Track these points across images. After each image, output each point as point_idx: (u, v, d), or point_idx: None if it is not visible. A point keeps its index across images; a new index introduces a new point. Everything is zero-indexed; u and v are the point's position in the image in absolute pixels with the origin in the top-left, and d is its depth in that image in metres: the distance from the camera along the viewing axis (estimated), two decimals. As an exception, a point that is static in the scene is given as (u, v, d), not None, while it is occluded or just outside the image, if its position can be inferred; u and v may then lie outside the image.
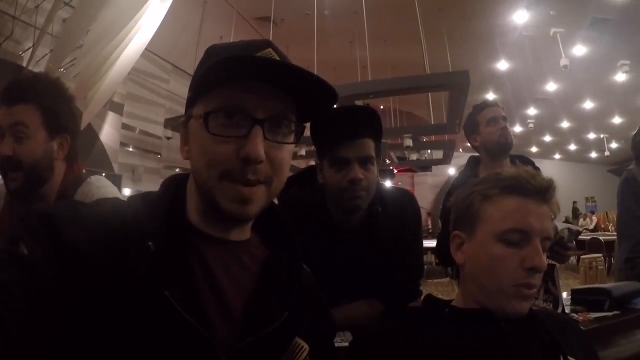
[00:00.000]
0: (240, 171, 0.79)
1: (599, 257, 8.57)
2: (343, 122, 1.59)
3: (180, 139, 0.90)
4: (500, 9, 8.27)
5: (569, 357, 1.09)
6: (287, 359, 0.85)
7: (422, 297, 1.87)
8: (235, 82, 0.80)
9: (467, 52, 9.81)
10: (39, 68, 5.88)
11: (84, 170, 1.73)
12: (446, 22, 8.70)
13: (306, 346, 0.88)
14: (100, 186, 1.65)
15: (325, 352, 0.99)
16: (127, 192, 7.47)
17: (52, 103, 1.55)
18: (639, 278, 2.61)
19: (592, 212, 17.70)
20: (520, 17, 8.42)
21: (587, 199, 21.12)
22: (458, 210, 1.19)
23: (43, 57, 6.03)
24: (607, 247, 9.88)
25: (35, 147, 1.52)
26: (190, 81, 0.89)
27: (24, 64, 6.02)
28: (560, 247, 1.85)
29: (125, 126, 8.55)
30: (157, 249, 0.77)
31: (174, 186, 0.91)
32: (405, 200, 1.85)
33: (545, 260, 1.05)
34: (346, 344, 1.46)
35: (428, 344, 1.07)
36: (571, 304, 1.99)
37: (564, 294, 1.98)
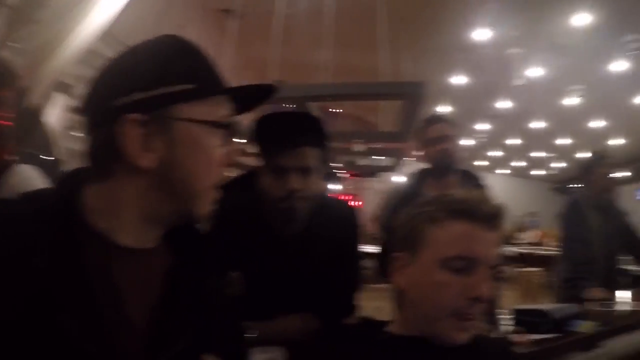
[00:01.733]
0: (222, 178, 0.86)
1: (538, 272, 8.88)
2: (283, 129, 1.55)
3: (133, 139, 0.75)
4: (462, 25, 8.38)
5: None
6: None
7: (358, 313, 1.86)
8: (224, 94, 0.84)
9: (426, 64, 9.89)
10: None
11: (16, 157, 1.63)
12: (408, 32, 8.77)
13: None
14: (26, 177, 1.58)
15: None
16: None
17: None
18: (578, 298, 2.72)
19: (534, 227, 18.14)
20: (482, 34, 8.57)
21: (530, 214, 21.69)
22: (402, 230, 1.13)
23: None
24: (546, 262, 10.18)
25: None
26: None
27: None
28: None
29: (72, 109, 8.19)
30: (46, 266, 0.68)
31: (71, 184, 0.80)
32: (346, 213, 1.81)
33: (490, 290, 1.02)
34: None
35: None
36: (510, 323, 2.02)
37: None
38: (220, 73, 0.85)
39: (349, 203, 1.90)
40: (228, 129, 0.84)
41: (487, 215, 1.05)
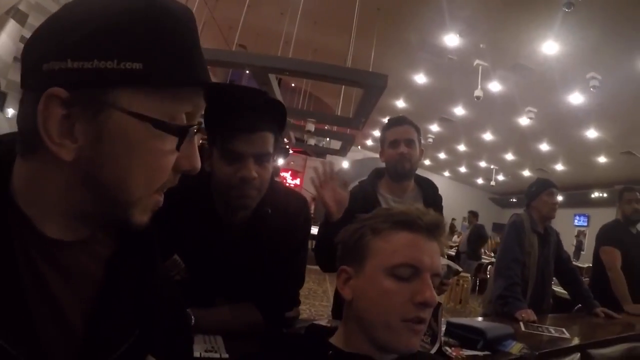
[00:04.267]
0: (171, 182, 0.70)
1: (467, 277, 9.21)
2: (242, 111, 1.40)
3: (51, 119, 0.59)
4: (434, 27, 8.44)
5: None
6: None
7: (299, 307, 1.82)
8: (189, 86, 0.67)
9: (391, 57, 9.95)
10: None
11: None
12: (380, 23, 8.75)
13: None
14: None
15: None
16: (10, 112, 6.78)
17: None
18: (508, 315, 2.80)
19: (466, 232, 18.60)
20: (451, 40, 8.66)
21: (464, 219, 22.24)
22: (346, 244, 1.16)
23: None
24: (475, 267, 10.52)
25: None
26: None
27: None
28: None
29: (24, 40, 7.70)
30: None
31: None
32: (299, 206, 1.76)
33: (435, 296, 1.04)
34: (217, 355, 1.37)
35: None
36: (445, 334, 2.04)
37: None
38: (196, 56, 0.66)
39: (299, 193, 1.84)
40: (183, 134, 0.66)
41: (429, 226, 1.09)
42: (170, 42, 0.62)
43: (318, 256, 2.23)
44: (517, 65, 8.82)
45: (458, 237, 17.72)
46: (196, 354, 1.34)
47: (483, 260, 10.84)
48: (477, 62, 8.98)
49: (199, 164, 0.71)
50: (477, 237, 10.76)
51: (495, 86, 10.02)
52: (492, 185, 19.26)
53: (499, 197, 22.33)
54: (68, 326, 0.65)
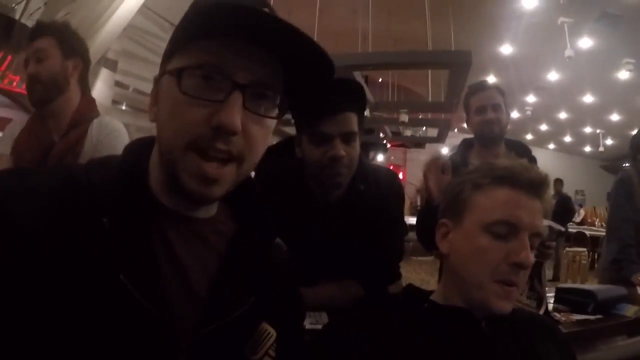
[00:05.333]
0: (209, 141, 0.71)
1: (583, 252, 8.59)
2: (325, 95, 1.43)
3: (150, 97, 0.81)
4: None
5: (546, 365, 1.05)
6: (253, 345, 0.80)
7: (401, 280, 1.84)
8: (218, 38, 0.71)
9: (472, 33, 9.62)
10: (32, 21, 5.65)
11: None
12: (453, 0, 8.53)
13: (273, 332, 0.83)
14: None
15: (293, 337, 0.93)
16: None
17: (66, 33, 1.99)
18: (624, 280, 2.60)
19: (580, 206, 17.65)
20: (529, 2, 8.24)
21: (576, 192, 21.05)
22: (447, 198, 1.16)
23: (37, 10, 5.77)
24: (592, 242, 9.94)
25: (52, 63, 1.92)
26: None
27: (17, 17, 5.78)
28: (540, 244, 1.80)
29: (118, 84, 8.12)
30: (113, 225, 0.70)
31: (137, 152, 0.82)
32: (389, 180, 1.81)
33: (531, 257, 1.01)
34: (320, 326, 1.42)
35: (404, 339, 1.03)
36: (554, 302, 1.97)
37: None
38: (216, 10, 0.69)
39: (388, 169, 1.90)
40: (179, 75, 0.71)
41: (531, 183, 1.05)
42: (198, 10, 0.74)
43: (420, 236, 2.21)
44: (604, 15, 8.22)
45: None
46: (302, 327, 1.41)
47: (597, 233, 10.15)
48: (561, 20, 8.41)
49: (229, 120, 0.69)
50: (563, 209, 9.82)
51: (585, 42, 9.40)
52: (601, 152, 18.12)
53: (610, 163, 20.83)
54: (191, 287, 0.76)
